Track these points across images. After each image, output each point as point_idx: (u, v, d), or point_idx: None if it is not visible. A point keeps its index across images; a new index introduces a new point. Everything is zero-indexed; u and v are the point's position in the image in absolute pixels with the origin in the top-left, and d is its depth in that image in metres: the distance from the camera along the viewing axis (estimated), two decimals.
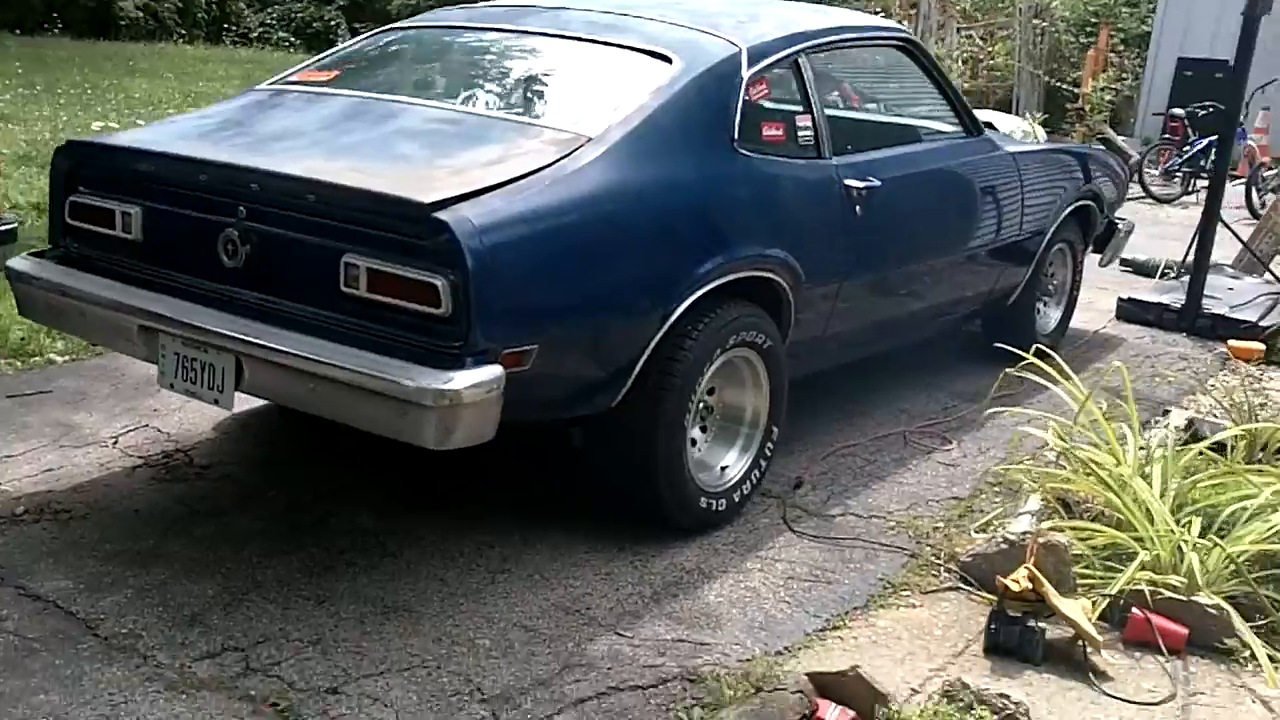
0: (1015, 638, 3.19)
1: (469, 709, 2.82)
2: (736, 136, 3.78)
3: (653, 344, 3.46)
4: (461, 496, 3.97)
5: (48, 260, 3.72)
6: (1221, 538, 3.49)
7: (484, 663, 3.02)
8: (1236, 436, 4.31)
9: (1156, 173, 12.80)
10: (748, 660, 3.10)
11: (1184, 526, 3.51)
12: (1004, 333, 5.28)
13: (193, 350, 3.30)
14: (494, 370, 2.99)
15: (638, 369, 3.46)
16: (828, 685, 2.85)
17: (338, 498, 3.88)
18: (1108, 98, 16.69)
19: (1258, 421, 4.51)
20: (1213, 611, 3.26)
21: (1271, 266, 7.51)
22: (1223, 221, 6.88)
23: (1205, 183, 9.38)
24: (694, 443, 3.79)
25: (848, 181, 4.16)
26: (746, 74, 3.87)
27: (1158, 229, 9.92)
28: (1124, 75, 17.49)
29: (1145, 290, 7.22)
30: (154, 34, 22.43)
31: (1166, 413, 4.83)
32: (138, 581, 3.26)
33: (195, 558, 3.41)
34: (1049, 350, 4.42)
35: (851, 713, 2.79)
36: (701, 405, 3.79)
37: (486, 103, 3.89)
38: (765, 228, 3.84)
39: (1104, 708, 3.00)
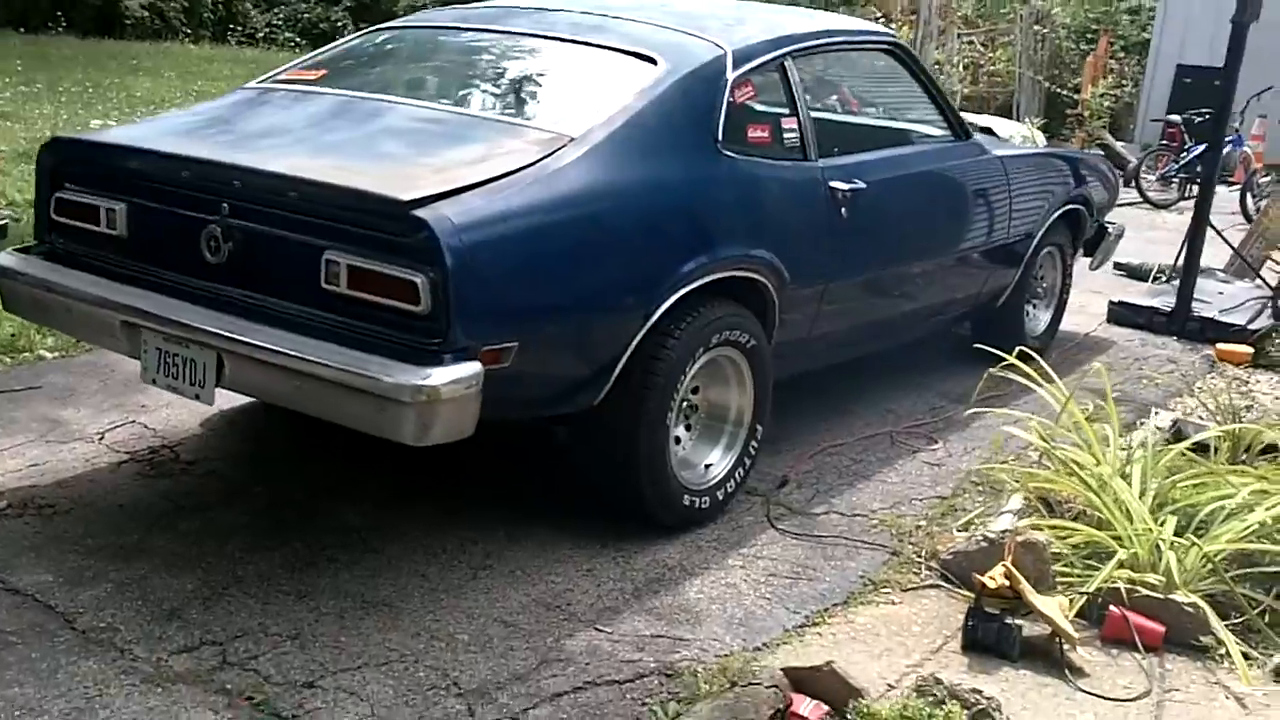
0: (992, 634, 3.21)
1: (445, 703, 2.84)
2: (721, 138, 3.79)
3: (635, 342, 3.48)
4: (448, 493, 3.99)
5: (34, 256, 3.75)
6: (1200, 537, 3.50)
7: (462, 657, 3.03)
8: (1220, 437, 4.33)
9: (1153, 178, 12.80)
10: (725, 656, 3.12)
11: (1162, 525, 3.52)
12: (993, 335, 5.27)
13: (174, 346, 3.32)
14: (473, 367, 3.00)
15: (620, 367, 3.48)
16: (802, 680, 2.87)
17: (324, 494, 3.90)
18: (1107, 104, 16.71)
19: (1241, 423, 4.51)
20: (1189, 609, 3.27)
21: (1262, 272, 7.52)
22: (1212, 226, 6.89)
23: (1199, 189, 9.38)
24: (678, 441, 3.80)
25: (833, 183, 4.18)
26: (731, 76, 3.88)
27: (1154, 234, 9.94)
28: (1123, 82, 17.51)
29: (1136, 294, 7.23)
30: (160, 33, 22.42)
31: (1155, 414, 4.84)
32: (118, 576, 3.28)
33: (177, 552, 3.43)
34: (1032, 352, 4.43)
35: (825, 707, 2.80)
36: (685, 404, 3.81)
37: (471, 102, 3.92)
38: (749, 228, 3.86)
39: (1079, 704, 3.02)
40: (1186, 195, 12.47)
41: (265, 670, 2.90)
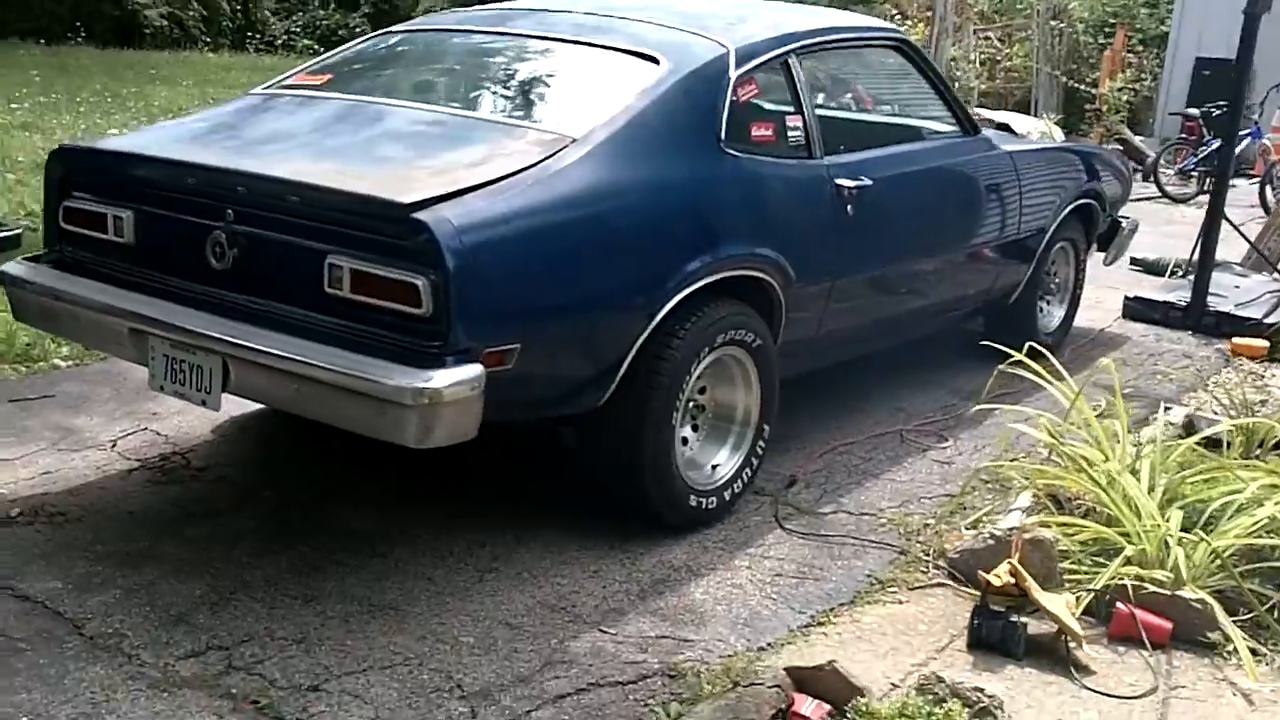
0: (998, 632, 3.19)
1: (448, 706, 2.85)
2: (724, 136, 3.79)
3: (639, 343, 3.48)
4: (456, 496, 4.00)
5: (42, 265, 3.78)
6: (1209, 532, 3.48)
7: (466, 660, 3.04)
8: (1233, 432, 4.30)
9: (1172, 172, 12.73)
10: (729, 656, 3.12)
11: (1170, 521, 3.50)
12: (1006, 331, 5.26)
13: (181, 352, 3.34)
14: (474, 369, 3.01)
15: (624, 368, 3.48)
16: (805, 679, 2.86)
17: (333, 498, 3.92)
18: (1125, 98, 16.61)
19: (1254, 417, 4.48)
20: (1197, 606, 3.25)
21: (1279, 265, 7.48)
22: (1227, 219, 6.84)
23: None
24: (685, 441, 3.81)
25: (839, 181, 4.17)
26: (734, 75, 3.88)
27: (1172, 228, 9.87)
28: (1142, 76, 17.40)
29: (1152, 289, 7.19)
30: (179, 42, 22.55)
31: (1166, 409, 4.81)
32: (126, 582, 3.30)
33: (185, 558, 3.45)
34: (1042, 348, 4.41)
35: (827, 707, 2.80)
36: (692, 404, 3.81)
37: (474, 105, 3.93)
38: (753, 227, 3.85)
39: (1084, 701, 3.00)
40: (1205, 189, 12.38)
41: (271, 674, 2.92)
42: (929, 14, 18.04)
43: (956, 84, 17.16)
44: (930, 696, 2.80)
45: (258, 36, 24.62)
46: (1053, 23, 18.23)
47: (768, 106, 4.13)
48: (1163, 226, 9.92)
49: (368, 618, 3.21)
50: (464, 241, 2.98)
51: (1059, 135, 14.11)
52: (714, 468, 3.91)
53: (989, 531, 3.61)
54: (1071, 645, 3.16)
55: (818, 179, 4.13)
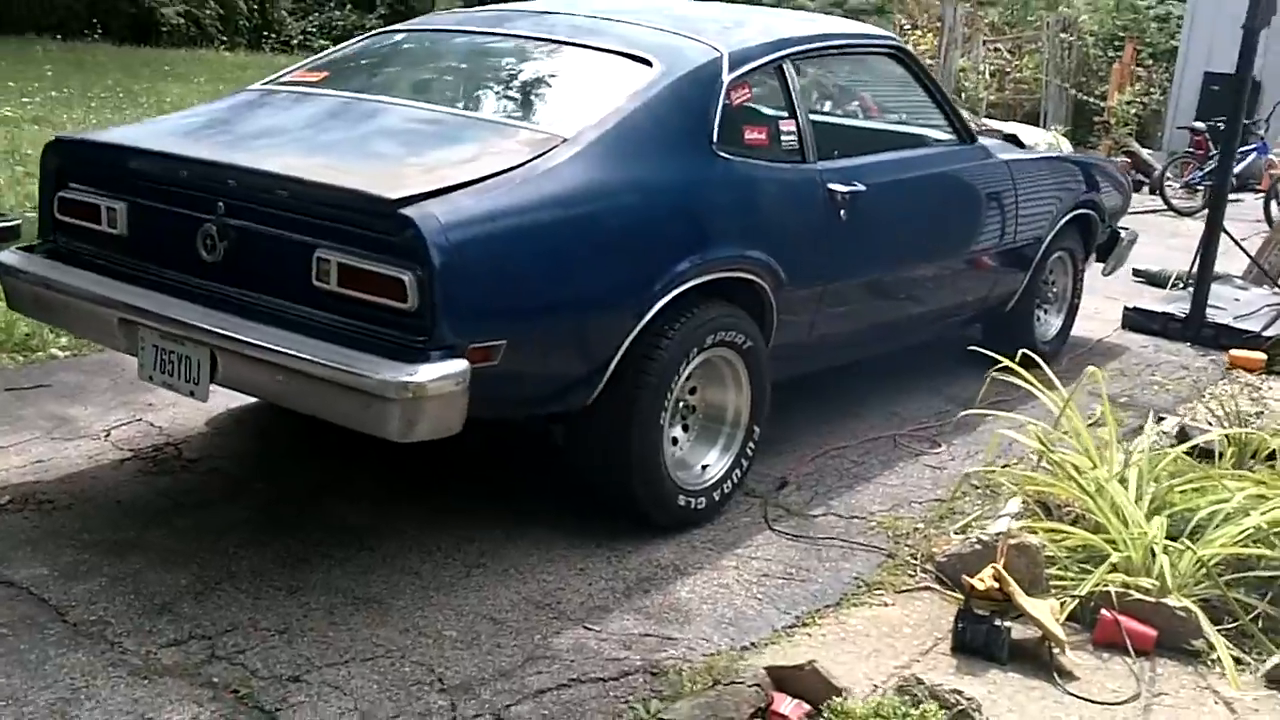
0: (981, 636, 3.19)
1: (428, 698, 2.85)
2: (716, 139, 3.80)
3: (627, 342, 3.48)
4: (449, 491, 4.01)
5: (36, 255, 3.80)
6: (1195, 541, 3.47)
7: (448, 653, 3.05)
8: (1226, 443, 4.29)
9: (1178, 186, 12.72)
10: (712, 655, 3.12)
11: (1157, 529, 3.50)
12: (1003, 339, 5.23)
13: (170, 343, 3.36)
14: (459, 364, 3.02)
15: (613, 367, 3.49)
16: (785, 679, 2.87)
17: (324, 491, 3.93)
18: (1133, 111, 16.61)
19: (1246, 428, 4.47)
20: (1181, 614, 3.25)
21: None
22: (1227, 233, 6.83)
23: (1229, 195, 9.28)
24: (675, 442, 3.81)
25: (832, 186, 4.17)
26: (727, 78, 3.89)
27: (1176, 241, 9.84)
28: (1151, 89, 17.41)
29: (1152, 300, 7.18)
30: (195, 40, 22.64)
31: (1159, 419, 4.80)
32: (112, 570, 3.31)
33: (172, 548, 3.46)
34: (1037, 357, 4.41)
35: (806, 706, 2.80)
36: (682, 405, 3.82)
37: (466, 104, 3.95)
38: (744, 229, 3.86)
39: (1066, 707, 3.00)
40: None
41: (252, 664, 2.93)
42: (939, 24, 18.06)
43: (965, 95, 17.19)
44: (908, 698, 2.80)
45: (274, 36, 24.70)
46: (1063, 35, 18.25)
47: (761, 110, 4.13)
48: (1168, 239, 9.91)
49: (351, 610, 3.21)
50: (450, 238, 2.99)
51: (1067, 147, 14.05)
52: (703, 468, 3.91)
53: (976, 536, 3.61)
54: (1055, 650, 3.16)
55: (810, 184, 4.13)
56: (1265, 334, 6.34)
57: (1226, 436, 4.31)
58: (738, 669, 2.96)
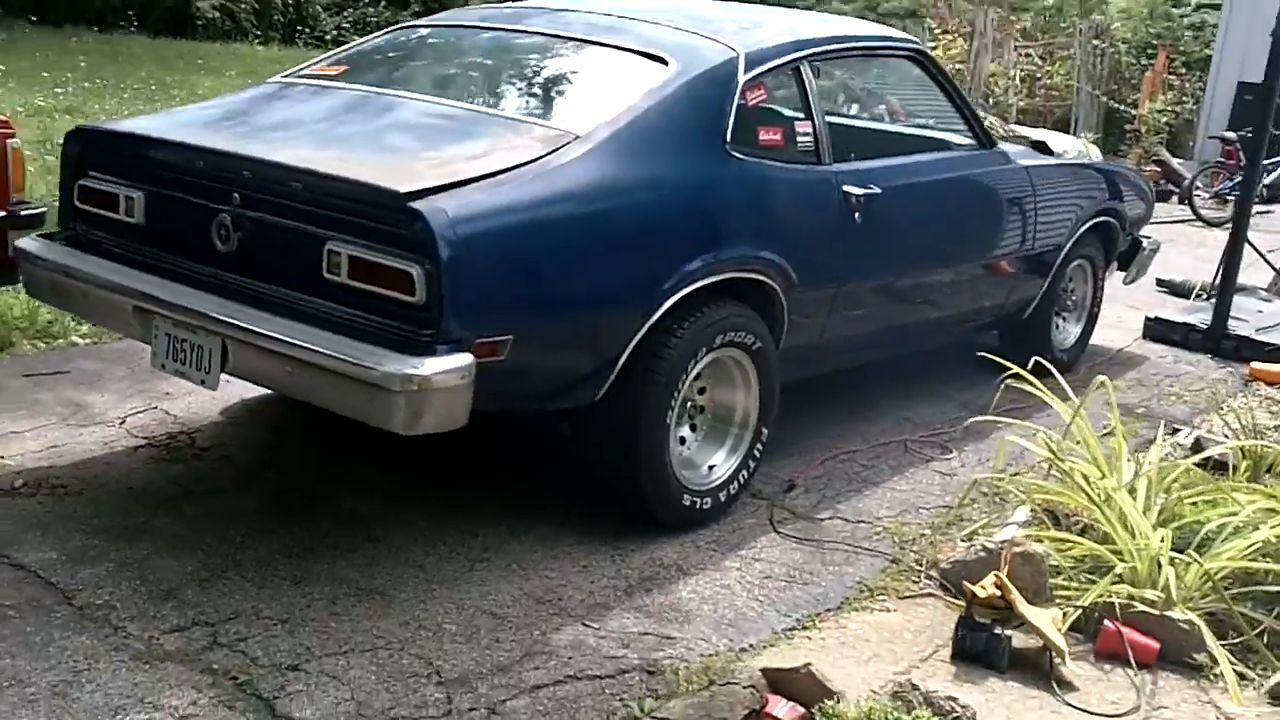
0: (981, 644, 3.18)
1: (424, 691, 2.87)
2: (730, 139, 3.80)
3: (636, 340, 3.49)
4: (458, 485, 4.03)
5: (56, 242, 3.84)
6: (1202, 554, 3.45)
7: (447, 647, 3.06)
8: (1241, 455, 4.26)
9: (1207, 196, 12.62)
10: (710, 655, 3.12)
11: (1163, 541, 3.47)
12: (1020, 346, 5.22)
13: (183, 332, 3.39)
14: (465, 358, 3.03)
15: (621, 364, 3.50)
16: (780, 681, 2.87)
17: (334, 482, 3.96)
18: (1165, 120, 16.47)
19: (1262, 441, 4.43)
20: (1185, 627, 3.23)
21: None
22: (1250, 244, 6.78)
23: (1257, 207, 9.19)
24: (683, 441, 3.82)
25: (847, 188, 4.16)
26: (743, 78, 3.89)
27: (1203, 251, 9.77)
28: (1184, 98, 17.27)
29: (1174, 310, 7.13)
30: (230, 34, 22.77)
31: (1173, 431, 4.77)
32: (120, 556, 3.34)
33: (180, 535, 3.50)
34: (1051, 365, 4.39)
35: (800, 709, 2.80)
36: (690, 404, 3.82)
37: (482, 99, 3.96)
38: (756, 230, 3.86)
39: (1064, 717, 2.99)
40: None
41: (253, 652, 2.95)
42: (969, 29, 17.97)
43: (994, 100, 17.10)
44: (901, 703, 2.80)
45: (308, 30, 24.79)
46: (1095, 42, 18.11)
47: (777, 111, 4.13)
48: (1195, 249, 9.85)
49: (354, 601, 3.24)
50: (458, 232, 3.01)
51: (1096, 154, 13.94)
52: (710, 468, 3.92)
53: (981, 544, 3.59)
54: (1056, 660, 3.14)
55: (825, 185, 4.13)
56: None
57: (1241, 449, 4.28)
58: (734, 670, 2.96)
